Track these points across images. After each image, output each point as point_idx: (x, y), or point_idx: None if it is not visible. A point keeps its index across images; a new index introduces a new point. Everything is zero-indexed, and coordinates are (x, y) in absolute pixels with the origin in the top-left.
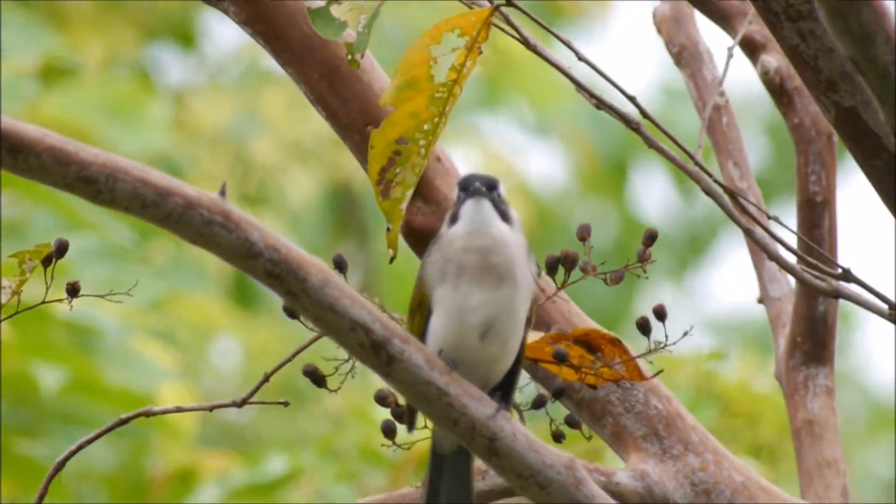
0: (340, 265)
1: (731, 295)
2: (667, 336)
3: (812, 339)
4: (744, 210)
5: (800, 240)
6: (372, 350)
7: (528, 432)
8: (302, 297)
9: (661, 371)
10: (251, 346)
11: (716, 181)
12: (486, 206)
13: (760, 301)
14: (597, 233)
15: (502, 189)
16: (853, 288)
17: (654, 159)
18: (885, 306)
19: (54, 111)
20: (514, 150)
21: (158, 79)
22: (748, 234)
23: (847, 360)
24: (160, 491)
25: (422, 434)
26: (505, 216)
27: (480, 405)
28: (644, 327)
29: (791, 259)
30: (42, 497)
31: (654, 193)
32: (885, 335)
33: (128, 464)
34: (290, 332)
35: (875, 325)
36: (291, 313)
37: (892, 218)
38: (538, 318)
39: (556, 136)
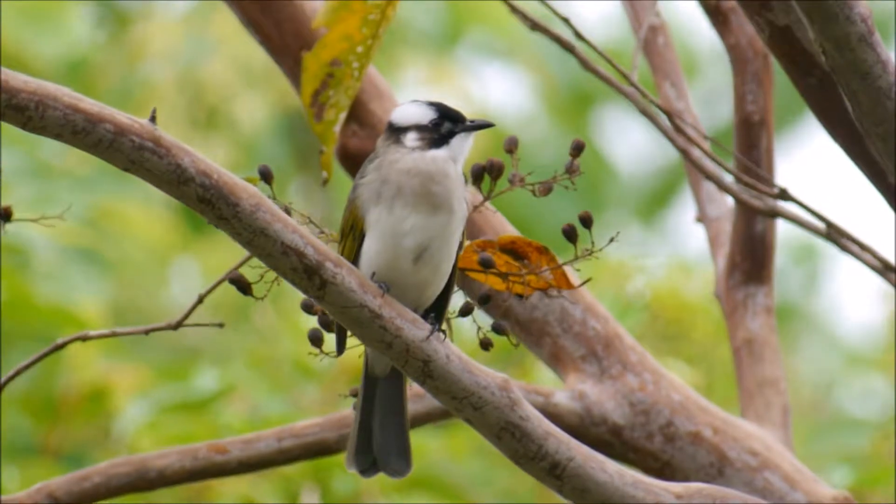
0: (266, 175)
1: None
2: (593, 243)
3: (751, 258)
4: (681, 131)
5: (737, 159)
6: (305, 274)
7: (462, 353)
8: (233, 222)
9: (589, 279)
10: (208, 266)
11: (652, 102)
12: (471, 143)
13: (699, 221)
14: (561, 165)
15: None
16: (791, 207)
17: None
18: (821, 225)
19: None
20: (476, 79)
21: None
22: (684, 154)
23: (817, 306)
24: (73, 409)
25: (350, 342)
26: (456, 146)
27: (414, 327)
28: (570, 234)
29: (728, 179)
30: None
31: (624, 130)
32: (856, 278)
33: (40, 381)
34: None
35: (845, 267)
36: (217, 224)
37: (827, 136)
38: (468, 231)
39: (518, 66)
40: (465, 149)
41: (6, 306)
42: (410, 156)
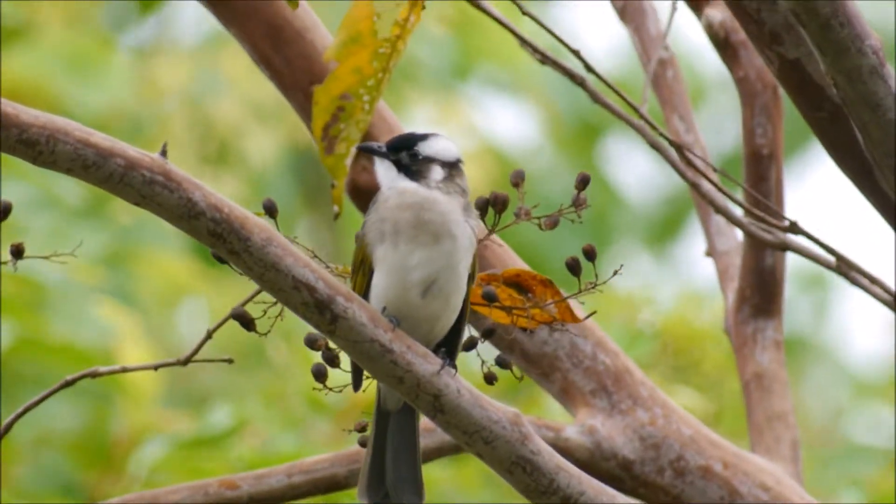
0: (270, 210)
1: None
2: (597, 276)
3: (760, 292)
4: (690, 163)
5: (746, 193)
6: (316, 309)
7: (472, 388)
8: (244, 257)
9: (594, 312)
10: (222, 306)
11: (661, 135)
12: (386, 166)
13: (708, 254)
14: (567, 197)
15: (425, 147)
16: (800, 240)
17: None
18: (831, 258)
19: (14, 69)
20: (483, 112)
21: (120, 39)
22: (694, 187)
23: (826, 335)
24: (122, 454)
25: (348, 378)
26: (419, 174)
27: (425, 362)
28: (573, 268)
29: (738, 212)
30: None
31: (632, 161)
32: (863, 307)
33: (91, 427)
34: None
35: (853, 297)
36: (220, 258)
37: (836, 168)
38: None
39: (526, 100)
40: (387, 176)
41: (22, 346)
42: (387, 193)
